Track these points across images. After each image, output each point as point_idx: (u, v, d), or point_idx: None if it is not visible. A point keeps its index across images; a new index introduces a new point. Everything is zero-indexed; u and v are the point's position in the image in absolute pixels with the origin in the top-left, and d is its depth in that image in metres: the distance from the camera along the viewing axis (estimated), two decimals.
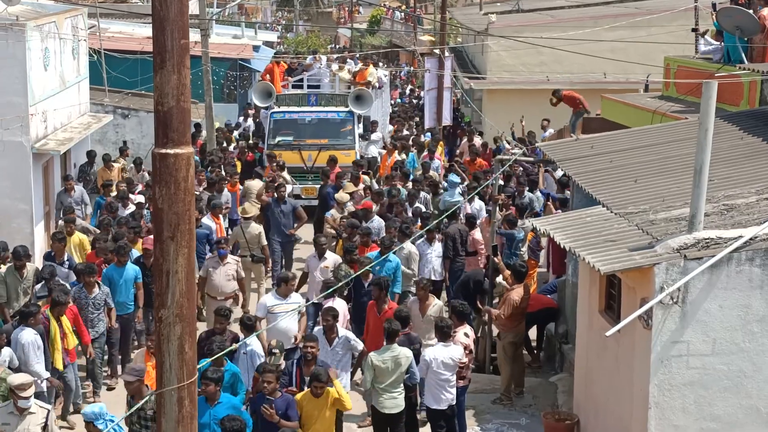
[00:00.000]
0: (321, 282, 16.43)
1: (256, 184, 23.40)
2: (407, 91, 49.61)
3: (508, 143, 27.94)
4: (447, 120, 32.08)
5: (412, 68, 60.54)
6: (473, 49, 38.47)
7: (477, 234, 19.37)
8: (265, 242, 19.92)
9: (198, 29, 31.60)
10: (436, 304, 15.46)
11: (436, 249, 18.83)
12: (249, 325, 13.93)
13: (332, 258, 17.70)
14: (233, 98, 40.05)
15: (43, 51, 23.13)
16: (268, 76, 29.36)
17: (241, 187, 23.77)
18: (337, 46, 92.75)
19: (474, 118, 33.62)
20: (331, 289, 14.13)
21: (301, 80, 30.90)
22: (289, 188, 23.30)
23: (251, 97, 34.45)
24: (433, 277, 18.07)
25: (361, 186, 22.32)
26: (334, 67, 30.91)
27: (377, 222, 19.72)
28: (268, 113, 28.12)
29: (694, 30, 22.66)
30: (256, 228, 19.97)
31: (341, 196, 21.53)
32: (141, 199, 21.83)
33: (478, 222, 19.95)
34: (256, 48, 45.59)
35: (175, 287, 6.89)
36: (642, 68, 27.50)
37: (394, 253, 16.75)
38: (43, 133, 23.14)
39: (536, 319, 17.10)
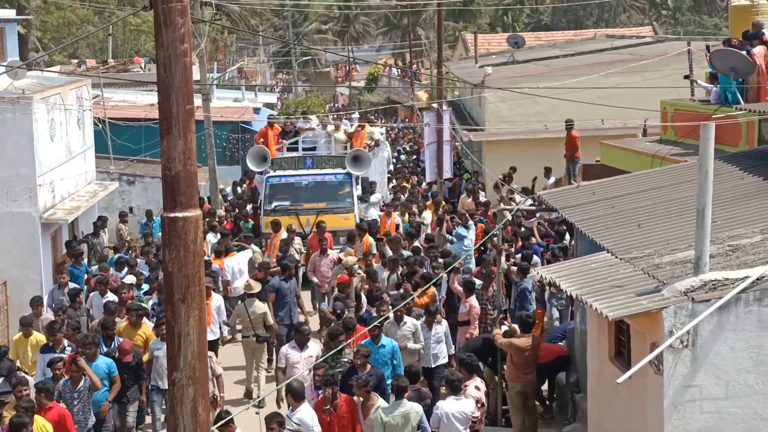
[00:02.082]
0: (306, 377, 14.77)
1: (253, 257, 22.63)
2: (407, 147, 49.81)
3: (512, 192, 27.88)
4: (448, 173, 32.27)
5: (409, 121, 60.98)
6: (471, 102, 38.74)
7: (473, 301, 18.07)
8: (271, 321, 18.39)
9: (200, 94, 31.98)
10: (378, 407, 13.47)
11: (438, 332, 16.90)
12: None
13: (315, 348, 15.89)
14: (236, 161, 40.30)
15: (49, 122, 23.45)
16: (262, 139, 28.71)
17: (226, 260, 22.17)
18: (336, 105, 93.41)
19: (474, 167, 33.76)
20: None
21: (296, 143, 30.18)
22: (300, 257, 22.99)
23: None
24: (432, 365, 16.70)
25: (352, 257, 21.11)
26: (330, 128, 30.26)
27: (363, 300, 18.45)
28: (263, 178, 27.38)
29: (687, 77, 22.89)
30: (261, 307, 18.40)
31: (349, 259, 20.40)
32: (131, 279, 20.74)
33: (478, 285, 18.74)
34: (256, 110, 46.09)
35: (187, 349, 6.96)
36: (639, 113, 27.72)
37: (386, 334, 15.69)
38: (51, 202, 23.35)
39: (550, 369, 16.79)
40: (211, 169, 31.48)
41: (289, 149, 29.69)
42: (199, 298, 7.00)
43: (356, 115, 64.88)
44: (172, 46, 6.82)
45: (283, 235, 23.93)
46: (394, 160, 43.03)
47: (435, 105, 33.60)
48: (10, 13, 34.95)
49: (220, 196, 31.61)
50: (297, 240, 23.88)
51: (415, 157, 44.65)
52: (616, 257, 12.85)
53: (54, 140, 23.85)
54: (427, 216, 26.67)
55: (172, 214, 6.87)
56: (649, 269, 11.90)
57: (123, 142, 32.77)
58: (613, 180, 17.29)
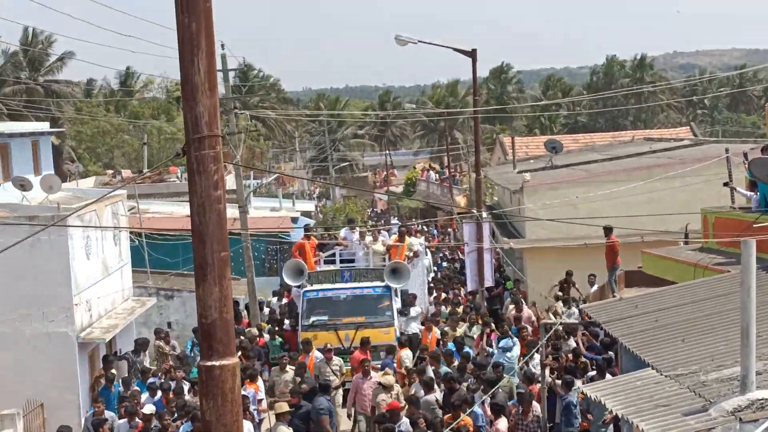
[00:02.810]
0: None
1: (286, 377, 21.71)
2: (447, 254, 49.51)
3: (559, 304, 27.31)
4: (489, 281, 31.89)
5: (448, 227, 60.90)
6: (510, 208, 38.67)
7: (501, 424, 17.50)
8: None
9: (236, 205, 32.10)
10: None
11: None
12: None
13: None
14: (275, 271, 40.26)
15: (84, 240, 23.46)
16: (298, 253, 28.00)
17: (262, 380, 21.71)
18: (375, 210, 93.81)
19: (515, 275, 33.43)
20: None
21: (334, 255, 29.52)
22: (336, 380, 22.33)
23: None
24: None
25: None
26: (368, 239, 29.66)
27: (405, 425, 17.73)
28: (300, 292, 26.68)
29: (726, 184, 22.67)
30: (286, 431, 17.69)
31: (387, 379, 19.96)
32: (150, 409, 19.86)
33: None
34: (294, 219, 46.18)
35: None
36: (680, 218, 27.50)
37: None
38: (88, 321, 23.31)
39: None
40: (249, 282, 31.39)
41: (326, 262, 29.11)
42: None
43: (395, 221, 65.28)
44: (206, 193, 6.78)
45: (316, 354, 23.25)
46: (435, 268, 42.68)
47: (474, 211, 33.47)
48: (44, 126, 35.52)
49: (258, 311, 31.37)
50: (336, 360, 23.06)
51: (457, 265, 44.23)
52: (662, 374, 12.60)
53: (90, 258, 23.91)
54: (477, 331, 25.77)
55: (209, 363, 6.80)
56: (695, 387, 11.68)
57: (160, 256, 32.79)
58: (655, 292, 17.07)
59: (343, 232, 31.02)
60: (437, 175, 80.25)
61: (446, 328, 25.91)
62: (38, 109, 65.99)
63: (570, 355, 21.02)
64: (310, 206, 67.36)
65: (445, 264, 46.12)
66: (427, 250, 40.07)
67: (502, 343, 23.30)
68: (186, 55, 6.91)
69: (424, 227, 68.39)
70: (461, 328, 26.03)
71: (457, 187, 70.02)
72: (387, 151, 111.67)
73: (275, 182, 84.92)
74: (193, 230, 6.81)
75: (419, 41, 30.80)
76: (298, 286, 26.85)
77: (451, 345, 23.85)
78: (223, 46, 34.32)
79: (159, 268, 32.57)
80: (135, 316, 26.80)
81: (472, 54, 30.47)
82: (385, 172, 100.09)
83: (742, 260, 10.71)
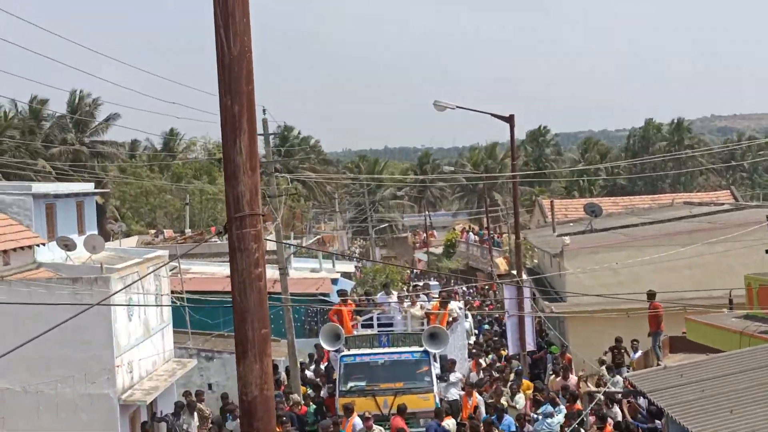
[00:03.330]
0: None
1: None
2: (486, 319, 49.14)
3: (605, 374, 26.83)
4: (531, 345, 31.64)
5: (489, 290, 60.56)
6: (550, 271, 38.48)
7: None
8: None
9: (276, 266, 32.13)
10: None
11: None
12: None
13: None
14: (315, 333, 40.13)
15: (127, 301, 23.56)
16: (335, 316, 27.72)
17: None
18: (415, 271, 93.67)
19: (556, 341, 33.16)
20: None
21: (371, 319, 28.78)
22: None
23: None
24: None
25: None
26: (406, 303, 29.16)
27: None
28: (337, 356, 26.31)
29: None
30: None
31: None
32: None
33: None
34: (334, 281, 46.13)
35: None
36: (723, 283, 27.26)
37: None
38: (129, 383, 23.32)
39: None
40: (290, 344, 31.29)
41: (363, 326, 28.54)
42: None
43: (435, 284, 65.04)
44: (247, 271, 6.85)
45: (356, 421, 22.90)
46: (476, 331, 42.36)
47: (514, 272, 33.30)
48: (89, 187, 35.88)
49: (299, 372, 31.25)
50: (376, 429, 22.46)
51: (497, 328, 43.84)
52: None
53: (132, 319, 23.98)
54: (520, 400, 25.37)
55: None
56: None
57: (201, 317, 32.78)
58: (701, 361, 16.89)
59: (379, 297, 30.61)
60: (477, 236, 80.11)
61: (476, 394, 25.43)
62: (83, 169, 66.87)
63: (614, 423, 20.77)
64: (350, 267, 67.27)
65: (486, 326, 45.68)
66: (468, 312, 39.80)
67: (541, 409, 23.08)
68: (228, 136, 7.05)
69: (464, 289, 68.32)
70: (504, 397, 25.74)
71: (497, 249, 69.83)
72: (426, 212, 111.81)
73: (316, 243, 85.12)
74: (234, 308, 6.86)
75: (457, 107, 30.94)
76: (336, 351, 26.52)
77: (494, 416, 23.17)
78: (264, 111, 34.64)
79: (200, 329, 32.51)
80: (176, 378, 26.75)
81: (509, 119, 30.57)
82: (424, 233, 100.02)
83: None
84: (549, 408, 22.69)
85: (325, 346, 27.06)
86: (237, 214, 6.95)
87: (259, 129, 34.37)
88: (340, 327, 26.42)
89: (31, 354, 19.71)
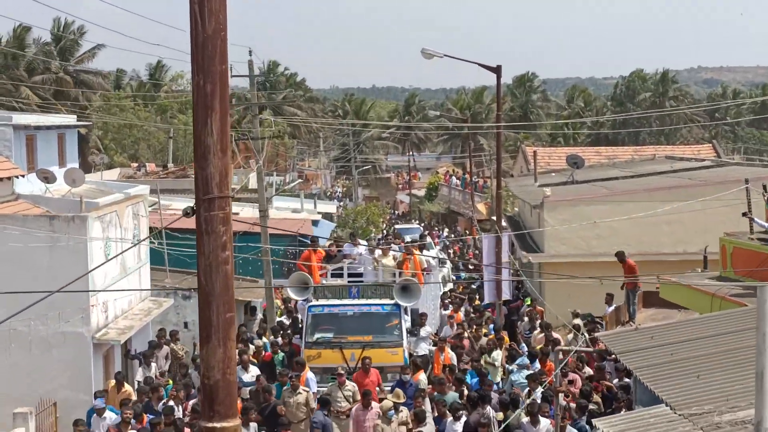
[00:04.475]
0: None
1: (298, 398, 20.71)
2: (470, 266, 49.06)
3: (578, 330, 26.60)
4: (507, 294, 31.73)
5: (468, 234, 60.58)
6: (530, 221, 38.57)
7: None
8: None
9: (257, 205, 31.98)
10: None
11: None
12: None
13: None
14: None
15: (104, 240, 23.48)
16: (304, 263, 26.88)
17: None
18: (397, 212, 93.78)
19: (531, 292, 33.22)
20: None
21: (341, 269, 27.58)
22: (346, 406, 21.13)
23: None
24: None
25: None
26: (377, 253, 27.98)
27: None
28: (305, 306, 25.25)
29: (745, 215, 22.54)
30: None
31: (384, 404, 19.41)
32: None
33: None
34: (315, 222, 46.09)
35: None
36: (701, 240, 27.40)
37: None
38: (104, 322, 23.33)
39: None
40: (267, 286, 31.32)
41: (333, 275, 27.55)
42: None
43: (417, 227, 65.02)
44: (214, 254, 6.82)
45: (309, 375, 22.28)
46: (455, 277, 42.28)
47: (494, 218, 33.25)
48: (71, 119, 35.62)
49: (276, 316, 31.34)
50: (349, 386, 21.46)
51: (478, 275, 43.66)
52: (675, 412, 12.56)
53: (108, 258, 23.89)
54: (498, 356, 24.71)
55: (209, 425, 6.81)
56: (708, 428, 11.65)
57: (179, 254, 32.42)
58: (672, 324, 17.02)
59: (346, 247, 29.74)
60: (458, 181, 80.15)
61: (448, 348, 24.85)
62: (67, 100, 66.38)
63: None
64: (332, 208, 67.20)
65: (464, 275, 45.61)
66: (446, 257, 39.72)
67: (517, 361, 23.10)
68: (200, 116, 6.96)
69: (444, 232, 68.48)
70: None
71: (479, 194, 69.87)
72: (410, 154, 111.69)
73: (298, 178, 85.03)
74: (199, 291, 6.83)
75: (445, 55, 30.77)
76: (303, 300, 25.60)
77: (471, 372, 22.77)
78: (250, 52, 34.36)
79: (179, 267, 32.03)
80: (152, 317, 26.75)
81: (496, 70, 30.42)
82: (408, 175, 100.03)
83: (758, 306, 10.61)
84: (525, 360, 22.72)
85: (293, 296, 26.31)
86: (206, 196, 6.90)
87: (246, 71, 34.14)
88: (308, 276, 25.44)
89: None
